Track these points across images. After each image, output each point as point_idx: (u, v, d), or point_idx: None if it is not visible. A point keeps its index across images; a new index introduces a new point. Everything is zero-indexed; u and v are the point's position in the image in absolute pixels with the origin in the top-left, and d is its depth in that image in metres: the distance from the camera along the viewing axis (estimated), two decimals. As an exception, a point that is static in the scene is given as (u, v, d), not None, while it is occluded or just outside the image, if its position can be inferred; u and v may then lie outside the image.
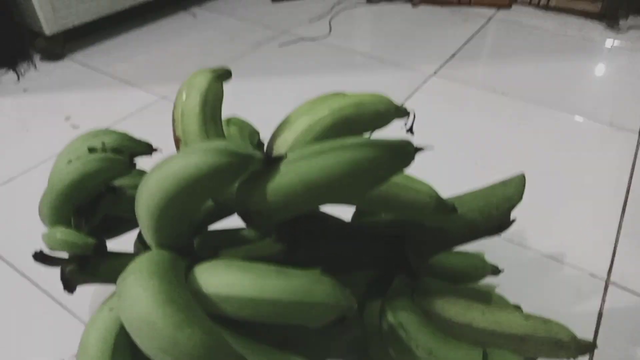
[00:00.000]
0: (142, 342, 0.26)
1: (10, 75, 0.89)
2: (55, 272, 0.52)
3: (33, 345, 0.47)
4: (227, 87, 0.39)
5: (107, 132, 0.39)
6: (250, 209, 0.31)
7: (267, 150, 0.34)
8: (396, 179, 0.33)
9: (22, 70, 0.90)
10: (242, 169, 0.28)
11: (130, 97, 0.83)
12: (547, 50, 1.01)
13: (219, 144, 0.28)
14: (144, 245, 0.44)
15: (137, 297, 0.26)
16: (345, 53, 0.99)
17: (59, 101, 0.83)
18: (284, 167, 0.28)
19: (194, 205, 0.30)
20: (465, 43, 1.02)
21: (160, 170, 0.29)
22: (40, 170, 0.68)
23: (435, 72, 0.92)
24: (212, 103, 0.35)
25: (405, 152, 0.28)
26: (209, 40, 1.04)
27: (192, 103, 0.34)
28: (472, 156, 0.71)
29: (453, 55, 0.98)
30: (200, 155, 0.27)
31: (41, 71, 0.91)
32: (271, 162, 0.28)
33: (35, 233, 0.58)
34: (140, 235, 0.44)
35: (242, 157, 0.28)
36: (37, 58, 0.95)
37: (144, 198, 0.30)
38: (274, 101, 0.83)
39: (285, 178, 0.28)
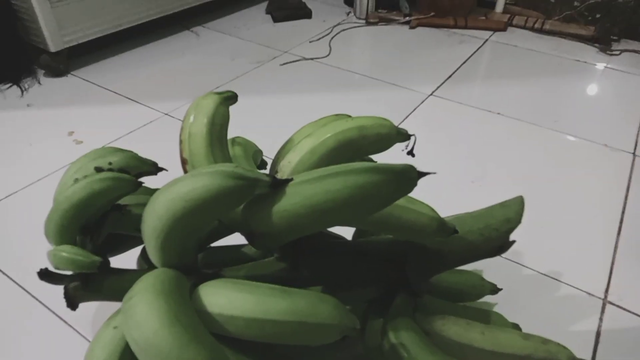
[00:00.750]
0: (149, 362, 0.26)
1: (14, 90, 0.90)
2: (58, 288, 0.52)
3: (33, 362, 0.47)
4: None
5: (114, 151, 0.40)
6: (254, 230, 0.32)
7: (271, 172, 0.35)
8: (398, 201, 0.34)
9: (26, 86, 0.91)
10: (249, 191, 0.29)
11: (133, 114, 0.84)
12: (541, 71, 1.03)
13: (226, 167, 0.29)
14: (147, 261, 0.45)
15: (143, 317, 0.26)
16: (344, 73, 1.01)
17: (62, 116, 0.83)
18: (289, 190, 0.29)
19: (200, 226, 0.30)
20: (462, 64, 1.04)
21: (168, 192, 0.29)
22: (43, 185, 0.68)
23: (432, 93, 0.93)
24: (218, 126, 0.36)
25: (408, 177, 0.28)
26: (212, 58, 1.05)
27: (199, 125, 0.35)
28: (469, 175, 0.72)
29: (450, 76, 0.99)
30: (208, 178, 0.28)
31: (45, 87, 0.92)
32: (277, 185, 0.29)
33: (37, 247, 0.58)
34: (143, 252, 0.45)
35: (250, 180, 0.28)
36: (41, 74, 0.96)
37: (151, 219, 0.30)
38: (275, 118, 0.84)
39: (290, 201, 0.29)
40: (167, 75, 0.98)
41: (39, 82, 0.93)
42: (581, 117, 0.88)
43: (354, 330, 0.31)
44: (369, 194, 0.28)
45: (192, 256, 0.33)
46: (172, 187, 0.29)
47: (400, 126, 0.39)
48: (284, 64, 1.03)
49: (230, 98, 0.38)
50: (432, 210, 0.35)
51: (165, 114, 0.85)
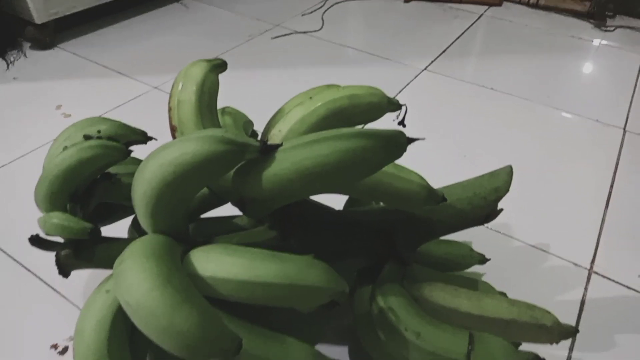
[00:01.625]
0: (140, 323, 0.26)
1: (0, 63, 0.88)
2: (48, 257, 0.52)
3: (27, 330, 0.47)
4: (220, 78, 0.40)
5: (103, 120, 0.40)
6: (245, 196, 0.32)
7: (262, 140, 0.35)
8: (388, 169, 0.34)
9: (12, 59, 0.89)
10: (238, 156, 0.29)
11: (122, 87, 0.83)
12: (536, 47, 1.02)
13: (216, 132, 0.28)
14: (138, 231, 0.45)
15: (134, 279, 0.27)
16: (337, 47, 1.00)
17: (49, 90, 0.82)
18: (279, 156, 0.29)
19: (190, 192, 0.30)
20: (456, 39, 1.04)
21: (157, 158, 0.29)
22: (32, 158, 0.68)
23: (426, 67, 0.93)
24: (207, 93, 0.36)
25: (398, 142, 0.29)
26: (201, 31, 1.03)
27: (188, 93, 0.35)
28: (461, 149, 0.73)
29: (444, 51, 0.99)
30: (197, 143, 0.28)
31: (31, 60, 0.90)
32: (267, 150, 0.29)
33: (27, 220, 0.58)
34: (134, 222, 0.45)
35: (239, 145, 0.28)
36: (26, 47, 0.94)
37: (141, 185, 0.30)
38: (266, 93, 0.83)
39: (280, 166, 0.29)
40: (156, 48, 0.96)
41: (25, 55, 0.91)
42: (574, 92, 0.88)
43: (343, 294, 0.32)
44: (358, 159, 0.28)
45: (182, 223, 0.33)
46: (161, 152, 0.29)
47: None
48: (276, 37, 1.02)
49: (219, 66, 0.37)
50: (421, 178, 0.35)
51: (155, 88, 0.84)
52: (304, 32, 1.04)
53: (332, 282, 0.31)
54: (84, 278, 0.51)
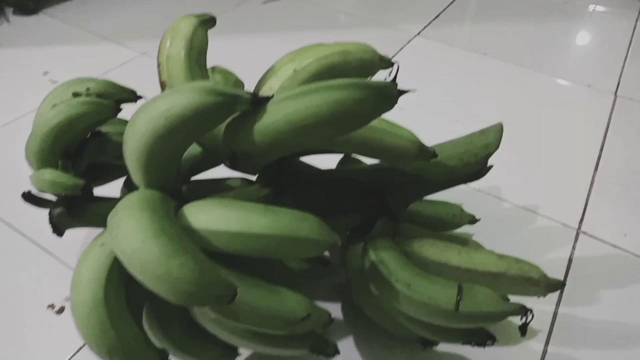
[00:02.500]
0: (136, 271, 0.27)
1: (-17, 29, 0.86)
2: (42, 220, 0.52)
3: (22, 291, 0.48)
4: (210, 43, 0.39)
5: (91, 79, 0.39)
6: (236, 151, 0.32)
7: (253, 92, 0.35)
8: (380, 124, 0.34)
9: (-5, 24, 0.87)
10: (229, 108, 0.29)
11: (109, 53, 0.82)
12: (529, 13, 1.01)
13: (206, 83, 0.28)
14: (130, 191, 0.45)
15: (129, 229, 0.27)
16: (328, 12, 0.98)
17: (35, 56, 0.80)
18: (270, 107, 0.29)
19: (182, 145, 0.30)
20: (450, 4, 1.02)
21: (148, 110, 0.29)
22: (20, 124, 0.67)
23: (419, 33, 0.92)
24: (197, 48, 0.35)
25: (389, 93, 0.29)
26: (190, -4, 1.01)
27: (177, 48, 0.35)
28: (453, 114, 0.73)
29: (437, 16, 0.97)
30: (187, 95, 0.28)
31: (15, 26, 0.88)
32: (258, 102, 0.29)
33: (19, 185, 0.57)
34: (126, 182, 0.45)
35: (230, 97, 0.28)
36: (9, 12, 0.91)
37: (132, 138, 0.30)
38: (256, 58, 0.82)
39: (271, 118, 0.29)
40: (143, 13, 0.94)
41: (8, 21, 0.89)
42: (567, 58, 0.88)
43: (335, 247, 0.32)
44: (350, 110, 0.28)
45: (175, 179, 0.33)
46: (151, 104, 0.29)
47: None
48: (266, 2, 1.00)
49: (208, 21, 0.37)
50: (413, 134, 0.35)
51: (143, 54, 0.82)
52: (295, -3, 1.02)
53: (324, 234, 0.32)
54: (78, 240, 0.52)
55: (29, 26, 0.88)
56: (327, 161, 0.44)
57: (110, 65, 0.78)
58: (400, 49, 0.87)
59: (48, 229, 0.52)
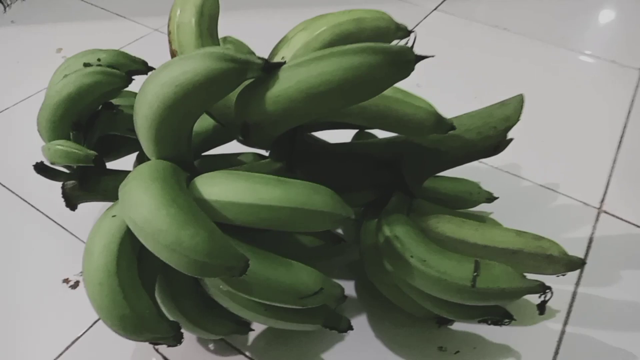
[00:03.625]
0: (148, 242, 0.26)
1: (-3, 6, 0.86)
2: (56, 196, 0.53)
3: (38, 266, 0.48)
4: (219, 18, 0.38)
5: (103, 50, 0.38)
6: (248, 120, 0.31)
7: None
8: (396, 94, 0.33)
9: (8, 1, 0.86)
10: (240, 75, 0.28)
11: (122, 30, 0.81)
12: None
13: (216, 49, 0.27)
14: (143, 167, 0.45)
15: (140, 199, 0.27)
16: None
17: (49, 33, 0.80)
18: (282, 74, 0.28)
19: (193, 113, 0.30)
20: (469, -23, 0.99)
21: (158, 78, 0.28)
22: (34, 100, 0.67)
23: (436, 7, 0.89)
24: (207, 16, 0.34)
25: (405, 58, 0.27)
26: (203, -28, 0.99)
27: (188, 15, 0.34)
28: (472, 90, 0.71)
29: (456, -10, 0.94)
30: (197, 61, 0.27)
31: (28, 2, 0.88)
32: (270, 68, 0.28)
33: (33, 161, 0.58)
34: (139, 157, 0.44)
35: (241, 62, 0.27)
36: (23, -11, 0.91)
37: (142, 107, 0.29)
38: (267, 32, 0.80)
39: (283, 85, 0.28)
40: (157, -10, 0.93)
41: (23, -2, 0.89)
42: (591, 33, 0.85)
43: (347, 220, 0.31)
44: (364, 76, 0.27)
45: (187, 150, 0.32)
46: (161, 72, 0.28)
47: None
48: (280, -23, 0.97)
49: (219, -12, 0.36)
50: (430, 105, 0.34)
51: (155, 30, 0.81)
52: (309, -28, 0.99)
53: (337, 207, 0.31)
54: (92, 216, 0.52)
55: (42, 3, 0.88)
56: (340, 138, 0.43)
57: (123, 42, 0.78)
58: (417, 24, 0.84)
59: (61, 204, 0.53)
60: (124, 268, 0.30)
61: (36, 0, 0.88)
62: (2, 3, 0.85)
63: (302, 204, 0.29)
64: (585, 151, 0.62)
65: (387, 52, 0.27)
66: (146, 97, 0.29)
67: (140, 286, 0.31)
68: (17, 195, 0.55)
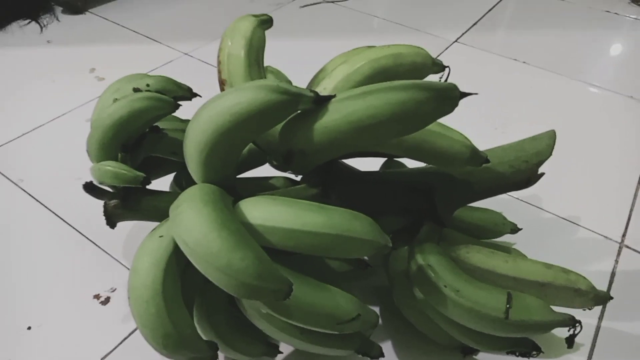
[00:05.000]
0: (199, 263, 0.27)
1: (33, 26, 0.89)
2: (89, 212, 0.54)
3: (70, 281, 0.49)
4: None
5: (150, 75, 0.40)
6: (294, 148, 0.32)
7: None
8: (433, 127, 0.34)
9: (45, 22, 0.90)
10: (292, 106, 0.29)
11: (153, 53, 0.84)
12: (570, 21, 1.00)
13: (271, 82, 0.29)
14: (179, 187, 0.46)
15: (192, 222, 0.28)
16: (366, 17, 0.98)
17: (83, 53, 0.83)
18: (331, 106, 0.29)
19: (243, 141, 0.31)
20: (488, 11, 1.01)
21: (213, 106, 0.30)
22: (68, 118, 0.69)
23: (457, 39, 0.91)
24: (255, 48, 0.36)
25: (451, 95, 0.29)
26: (230, -1, 1.03)
27: (238, 47, 0.35)
28: (492, 121, 0.72)
29: (475, 23, 0.97)
30: (252, 92, 0.29)
31: (64, 24, 0.91)
32: (320, 101, 0.30)
33: (66, 177, 0.60)
34: (176, 178, 0.46)
35: (294, 95, 0.29)
36: (58, 11, 0.94)
37: (195, 133, 0.31)
38: (293, 62, 0.83)
39: (332, 117, 0.29)
40: (185, 15, 0.96)
41: (58, 19, 0.92)
42: (608, 68, 0.86)
43: (386, 247, 0.32)
44: (411, 111, 0.28)
45: (232, 175, 0.34)
46: (216, 101, 0.30)
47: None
48: (304, 6, 1.01)
49: (266, 21, 0.38)
50: (466, 138, 0.35)
51: (185, 54, 0.84)
52: (333, 1, 1.03)
53: (377, 235, 0.32)
54: (123, 234, 0.53)
55: (76, 24, 0.91)
56: (368, 165, 0.44)
57: (154, 64, 0.80)
58: (438, 55, 0.86)
59: (95, 220, 0.54)
60: (170, 288, 0.31)
61: (71, 22, 0.92)
62: (39, 24, 0.89)
63: (343, 231, 0.30)
64: (606, 184, 0.63)
65: (434, 89, 0.28)
66: (200, 123, 0.30)
67: (183, 306, 0.32)
68: (50, 210, 0.56)
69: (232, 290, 0.27)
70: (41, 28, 0.89)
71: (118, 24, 0.92)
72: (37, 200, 0.57)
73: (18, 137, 0.66)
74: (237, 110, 0.29)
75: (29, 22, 0.90)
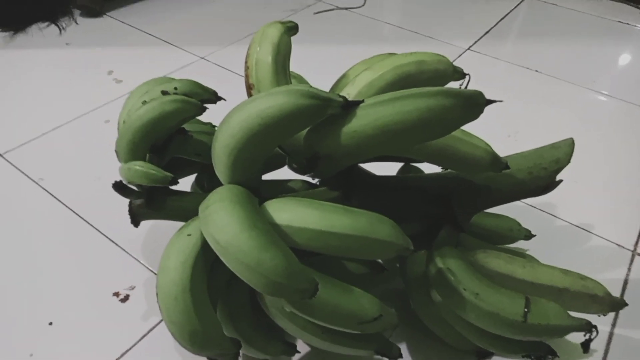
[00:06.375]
0: (230, 261, 0.28)
1: (52, 29, 0.91)
2: (109, 211, 0.55)
3: (89, 279, 0.50)
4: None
5: (177, 79, 0.41)
6: (320, 152, 0.33)
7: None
8: (456, 133, 0.35)
9: (64, 25, 0.92)
10: (322, 111, 0.30)
11: (170, 56, 0.85)
12: (581, 31, 1.01)
13: (301, 86, 0.30)
14: (201, 188, 0.47)
15: (223, 221, 0.29)
16: (379, 24, 0.99)
17: (101, 56, 0.85)
18: (360, 112, 0.30)
19: (271, 145, 0.32)
20: (500, 20, 1.02)
21: (244, 110, 0.31)
22: (87, 119, 0.71)
23: (469, 47, 0.92)
24: (283, 54, 0.37)
25: (477, 102, 0.29)
26: (245, 4, 1.04)
27: (266, 53, 0.36)
28: (505, 129, 0.73)
29: (488, 32, 0.98)
30: (284, 96, 0.29)
31: (82, 27, 0.93)
32: (349, 106, 0.30)
33: (86, 177, 0.61)
34: (197, 179, 0.47)
35: (323, 100, 0.30)
36: (77, 14, 0.96)
37: (224, 136, 0.32)
38: (307, 68, 0.84)
39: (360, 122, 0.30)
40: (201, 19, 0.98)
41: (76, 22, 0.94)
42: (620, 78, 0.87)
43: (408, 250, 0.33)
44: (438, 117, 0.29)
45: (258, 176, 0.35)
46: (247, 105, 0.31)
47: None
48: (318, 12, 1.02)
49: (292, 28, 0.39)
50: (487, 144, 0.36)
51: (201, 58, 0.85)
52: (346, 8, 1.04)
53: (400, 238, 0.33)
54: (142, 233, 0.54)
55: (94, 28, 0.93)
56: (383, 170, 0.45)
57: (171, 68, 0.82)
58: (450, 63, 0.87)
59: (114, 219, 0.55)
60: (197, 285, 0.32)
61: (89, 25, 0.94)
62: (58, 26, 0.90)
63: (368, 233, 0.31)
64: (619, 193, 0.63)
65: (461, 96, 0.29)
66: (230, 126, 0.31)
67: (209, 304, 0.32)
68: (70, 209, 0.57)
69: (260, 287, 0.28)
70: (60, 30, 0.90)
71: (135, 27, 0.93)
72: (57, 199, 0.58)
73: (38, 137, 0.67)
74: (268, 114, 0.29)
75: (49, 25, 0.92)
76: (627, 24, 1.04)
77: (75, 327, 0.46)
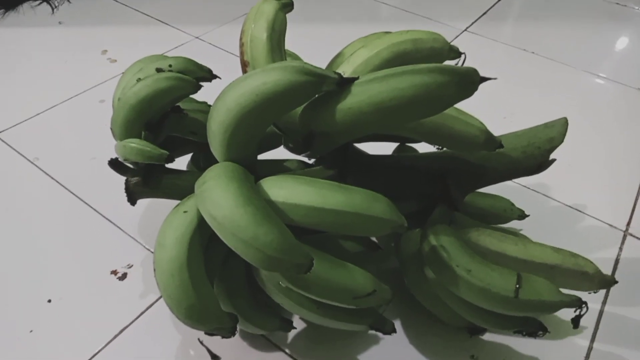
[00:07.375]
0: (226, 237, 0.28)
1: (44, 7, 0.90)
2: (105, 190, 0.55)
3: (87, 258, 0.51)
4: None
5: (172, 57, 0.41)
6: (316, 130, 0.33)
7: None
8: (450, 111, 0.35)
9: (56, 3, 0.90)
10: (317, 87, 0.30)
11: (164, 36, 0.84)
12: (579, 14, 1.00)
13: (296, 63, 0.30)
14: (197, 167, 0.47)
15: (219, 197, 0.29)
16: (376, 4, 0.98)
17: (94, 35, 0.84)
18: (355, 88, 0.30)
19: (267, 122, 0.32)
20: (498, 1, 1.01)
21: (239, 87, 0.31)
22: (81, 99, 0.70)
23: (466, 28, 0.91)
24: (278, 31, 0.37)
25: (472, 80, 0.30)
26: (240, -17, 1.03)
27: (261, 30, 0.36)
28: (500, 111, 0.73)
29: (485, 13, 0.97)
30: (279, 73, 0.29)
31: (75, 5, 0.91)
32: (344, 82, 0.30)
33: (81, 157, 0.61)
34: (193, 158, 0.47)
35: (318, 76, 0.30)
36: (69, -8, 0.95)
37: (220, 113, 0.32)
38: (302, 48, 0.83)
39: (355, 98, 0.30)
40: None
41: (69, 1, 0.92)
42: (618, 60, 0.87)
43: (402, 227, 0.33)
44: (433, 94, 0.29)
45: (253, 154, 0.35)
46: (242, 82, 0.30)
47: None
48: (314, -8, 1.01)
49: (287, 5, 0.38)
50: (481, 123, 0.36)
51: (196, 37, 0.84)
52: (343, -12, 1.03)
53: (394, 215, 0.33)
54: (138, 212, 0.54)
55: (87, 6, 0.91)
56: (378, 151, 0.45)
57: (165, 47, 0.81)
58: (448, 44, 0.87)
59: (110, 198, 0.55)
60: (194, 261, 0.32)
61: (82, 3, 0.92)
62: (50, 5, 0.89)
63: (363, 210, 0.32)
64: (612, 174, 0.64)
65: (456, 73, 0.29)
66: (225, 103, 0.31)
67: (206, 279, 0.33)
68: (66, 188, 0.57)
69: (256, 262, 0.28)
70: (52, 9, 0.89)
71: (129, 7, 0.92)
72: (53, 178, 0.58)
73: (32, 117, 0.67)
74: (263, 90, 0.29)
75: (40, 3, 0.90)
76: (625, 5, 1.04)
77: (74, 305, 0.47)
